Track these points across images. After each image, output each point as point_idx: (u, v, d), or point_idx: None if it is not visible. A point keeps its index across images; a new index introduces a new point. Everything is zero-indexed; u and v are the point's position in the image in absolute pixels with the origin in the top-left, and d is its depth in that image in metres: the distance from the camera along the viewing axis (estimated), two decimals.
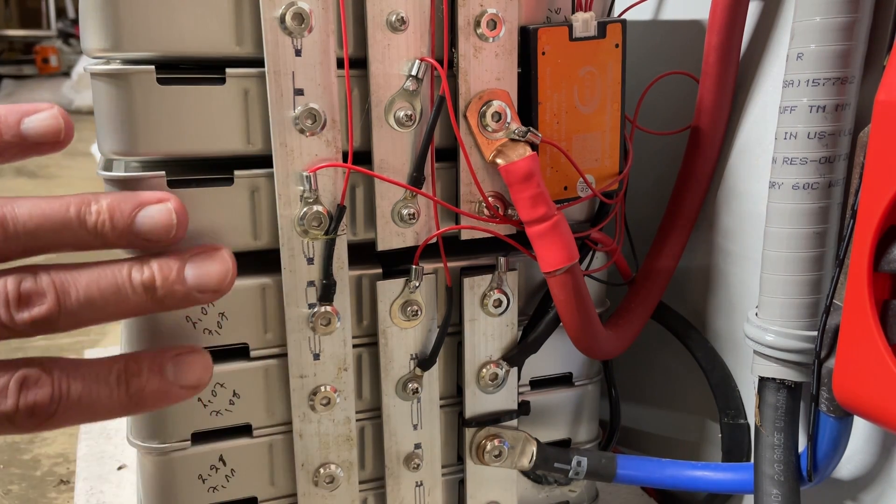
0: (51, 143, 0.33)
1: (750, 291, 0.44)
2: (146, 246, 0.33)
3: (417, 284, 0.39)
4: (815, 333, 0.36)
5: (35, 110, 0.33)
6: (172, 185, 0.35)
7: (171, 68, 0.34)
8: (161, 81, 0.34)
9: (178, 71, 0.34)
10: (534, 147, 0.38)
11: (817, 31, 0.34)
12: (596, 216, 0.43)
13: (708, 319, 0.47)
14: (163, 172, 0.35)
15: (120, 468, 0.57)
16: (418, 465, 0.42)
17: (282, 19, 0.34)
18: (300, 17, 0.34)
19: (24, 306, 0.30)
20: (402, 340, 0.40)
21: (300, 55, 0.34)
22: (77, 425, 0.31)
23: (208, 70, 0.34)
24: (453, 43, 0.37)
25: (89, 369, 0.32)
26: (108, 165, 0.37)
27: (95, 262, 0.32)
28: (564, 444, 0.46)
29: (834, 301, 0.35)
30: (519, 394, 0.44)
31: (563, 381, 0.46)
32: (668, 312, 0.47)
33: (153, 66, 0.34)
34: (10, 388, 0.30)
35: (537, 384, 0.45)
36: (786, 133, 0.36)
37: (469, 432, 0.43)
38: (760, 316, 0.38)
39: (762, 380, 0.39)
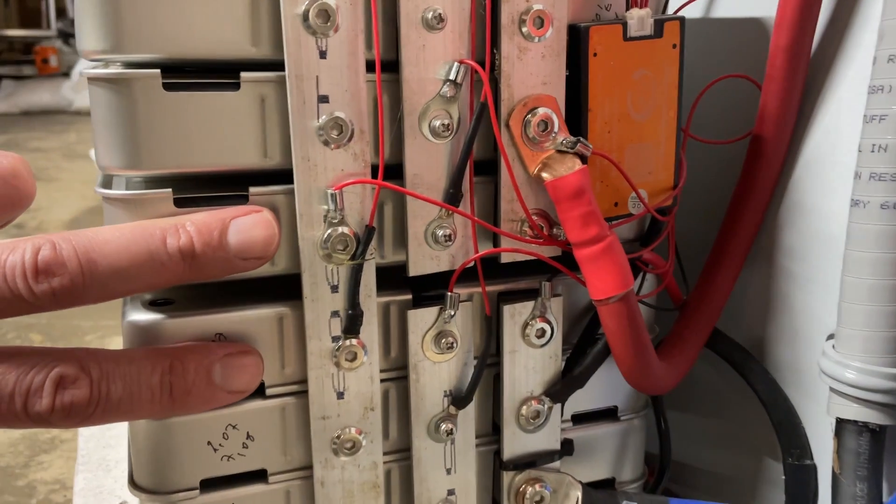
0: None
1: (816, 318, 0.40)
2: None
3: (453, 313, 0.35)
4: None
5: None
6: (180, 203, 0.32)
7: (179, 72, 0.31)
8: (167, 87, 0.31)
9: (186, 75, 0.31)
10: (584, 159, 0.34)
11: None
12: (647, 235, 0.39)
13: (768, 348, 0.43)
14: (169, 190, 0.32)
15: None
16: None
17: (305, 16, 0.30)
18: (325, 14, 0.30)
19: (44, 277, 0.27)
20: (435, 376, 0.36)
21: (325, 57, 0.31)
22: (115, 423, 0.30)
23: (220, 74, 0.31)
24: (495, 43, 0.33)
25: (131, 367, 0.30)
26: (107, 182, 0.34)
27: (124, 224, 0.30)
28: (608, 484, 0.42)
29: None
30: (561, 431, 0.40)
31: (608, 414, 0.42)
32: (723, 340, 0.43)
33: (158, 70, 0.31)
34: (46, 387, 0.28)
35: (578, 419, 0.41)
36: (873, 145, 0.32)
37: (507, 476, 0.39)
38: (839, 350, 0.35)
39: (840, 422, 0.35)
